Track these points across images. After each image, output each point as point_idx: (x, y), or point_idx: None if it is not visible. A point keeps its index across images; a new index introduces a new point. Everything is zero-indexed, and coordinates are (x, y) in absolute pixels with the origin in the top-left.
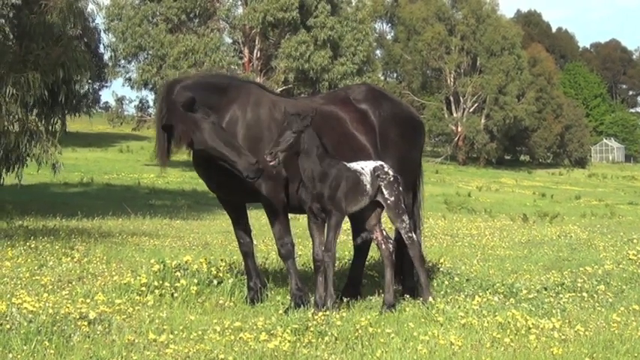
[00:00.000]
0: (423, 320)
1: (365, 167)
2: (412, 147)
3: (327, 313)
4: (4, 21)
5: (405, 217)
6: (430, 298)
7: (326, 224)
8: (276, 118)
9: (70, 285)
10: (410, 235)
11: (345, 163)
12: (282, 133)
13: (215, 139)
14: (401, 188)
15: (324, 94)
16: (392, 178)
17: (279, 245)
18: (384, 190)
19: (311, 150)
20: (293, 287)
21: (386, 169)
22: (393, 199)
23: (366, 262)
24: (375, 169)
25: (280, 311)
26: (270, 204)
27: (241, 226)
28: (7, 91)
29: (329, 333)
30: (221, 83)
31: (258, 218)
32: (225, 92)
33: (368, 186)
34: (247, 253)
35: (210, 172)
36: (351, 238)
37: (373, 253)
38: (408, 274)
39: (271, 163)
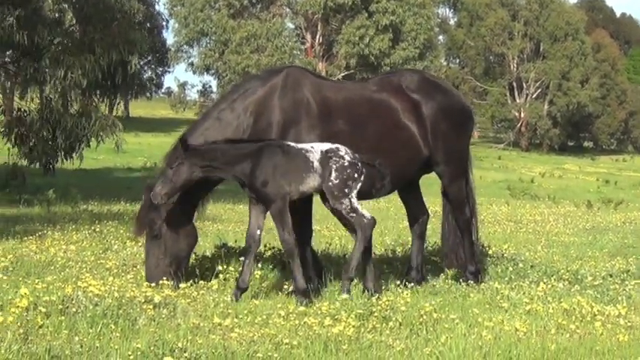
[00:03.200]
0: (487, 306)
1: (315, 147)
2: (461, 136)
3: (391, 298)
4: (66, 6)
5: (345, 200)
6: (345, 294)
7: (270, 214)
8: (319, 102)
9: (134, 269)
10: (352, 215)
11: (289, 143)
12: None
13: None
14: (356, 175)
15: (375, 79)
16: (346, 164)
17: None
18: (332, 172)
19: (223, 160)
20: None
21: (341, 153)
22: (337, 181)
23: (432, 248)
24: (328, 151)
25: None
26: None
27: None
28: (61, 73)
29: (393, 318)
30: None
31: (321, 204)
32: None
33: (315, 163)
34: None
35: None
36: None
37: (436, 239)
38: (470, 259)
39: (157, 202)
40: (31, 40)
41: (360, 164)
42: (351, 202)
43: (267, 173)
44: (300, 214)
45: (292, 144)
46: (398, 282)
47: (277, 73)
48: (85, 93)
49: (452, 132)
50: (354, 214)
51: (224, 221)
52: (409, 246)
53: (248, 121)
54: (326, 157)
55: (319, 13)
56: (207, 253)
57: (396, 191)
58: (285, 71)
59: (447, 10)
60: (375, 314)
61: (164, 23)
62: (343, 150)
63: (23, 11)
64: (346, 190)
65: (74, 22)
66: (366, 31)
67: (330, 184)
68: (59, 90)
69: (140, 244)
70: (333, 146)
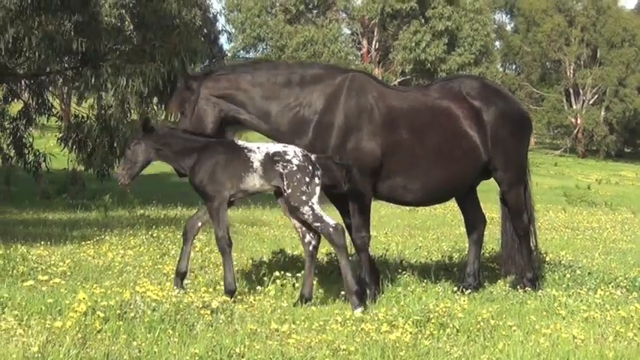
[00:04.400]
0: (545, 313)
1: (261, 147)
2: (520, 143)
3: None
4: (124, 11)
5: (305, 209)
6: (358, 309)
7: (208, 211)
8: (382, 111)
9: (192, 274)
10: (317, 224)
11: (235, 142)
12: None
13: None
14: (307, 179)
15: (436, 85)
16: (295, 168)
17: (355, 236)
18: (284, 178)
19: (176, 148)
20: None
21: (288, 157)
22: (290, 190)
23: (488, 254)
24: (274, 154)
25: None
26: (355, 195)
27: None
28: (122, 82)
29: (450, 325)
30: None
31: (377, 210)
32: (324, 78)
33: (256, 164)
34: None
35: None
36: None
37: (493, 245)
38: (528, 266)
39: (120, 183)
40: (94, 46)
41: (310, 166)
42: (312, 209)
43: (206, 171)
44: None
45: (239, 142)
46: (455, 288)
47: (342, 73)
48: (144, 101)
49: (511, 138)
50: (320, 224)
51: (280, 227)
52: (466, 252)
53: (315, 106)
54: (271, 160)
55: (376, 18)
56: (265, 259)
57: (453, 197)
58: (350, 74)
59: (504, 15)
60: (432, 321)
61: (220, 29)
62: (291, 153)
63: (81, 17)
64: (304, 198)
65: (131, 27)
66: (422, 36)
67: (285, 194)
68: (120, 98)
69: (197, 249)
70: (280, 149)
